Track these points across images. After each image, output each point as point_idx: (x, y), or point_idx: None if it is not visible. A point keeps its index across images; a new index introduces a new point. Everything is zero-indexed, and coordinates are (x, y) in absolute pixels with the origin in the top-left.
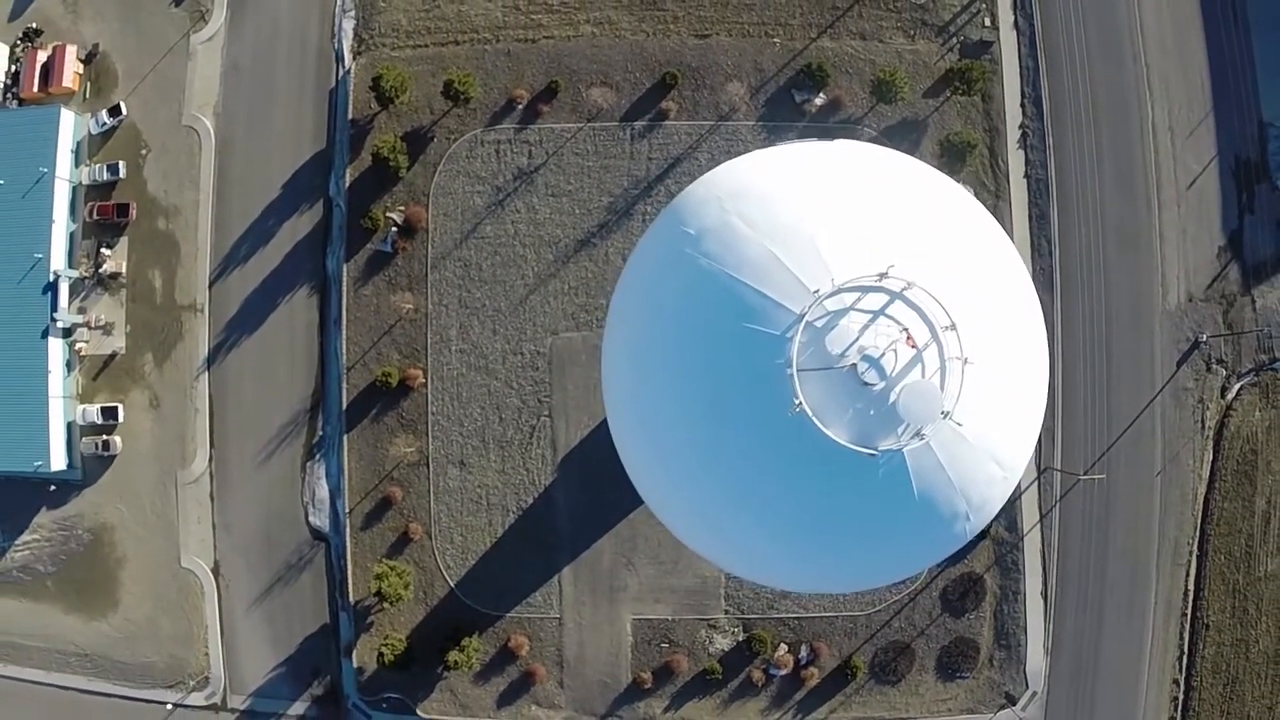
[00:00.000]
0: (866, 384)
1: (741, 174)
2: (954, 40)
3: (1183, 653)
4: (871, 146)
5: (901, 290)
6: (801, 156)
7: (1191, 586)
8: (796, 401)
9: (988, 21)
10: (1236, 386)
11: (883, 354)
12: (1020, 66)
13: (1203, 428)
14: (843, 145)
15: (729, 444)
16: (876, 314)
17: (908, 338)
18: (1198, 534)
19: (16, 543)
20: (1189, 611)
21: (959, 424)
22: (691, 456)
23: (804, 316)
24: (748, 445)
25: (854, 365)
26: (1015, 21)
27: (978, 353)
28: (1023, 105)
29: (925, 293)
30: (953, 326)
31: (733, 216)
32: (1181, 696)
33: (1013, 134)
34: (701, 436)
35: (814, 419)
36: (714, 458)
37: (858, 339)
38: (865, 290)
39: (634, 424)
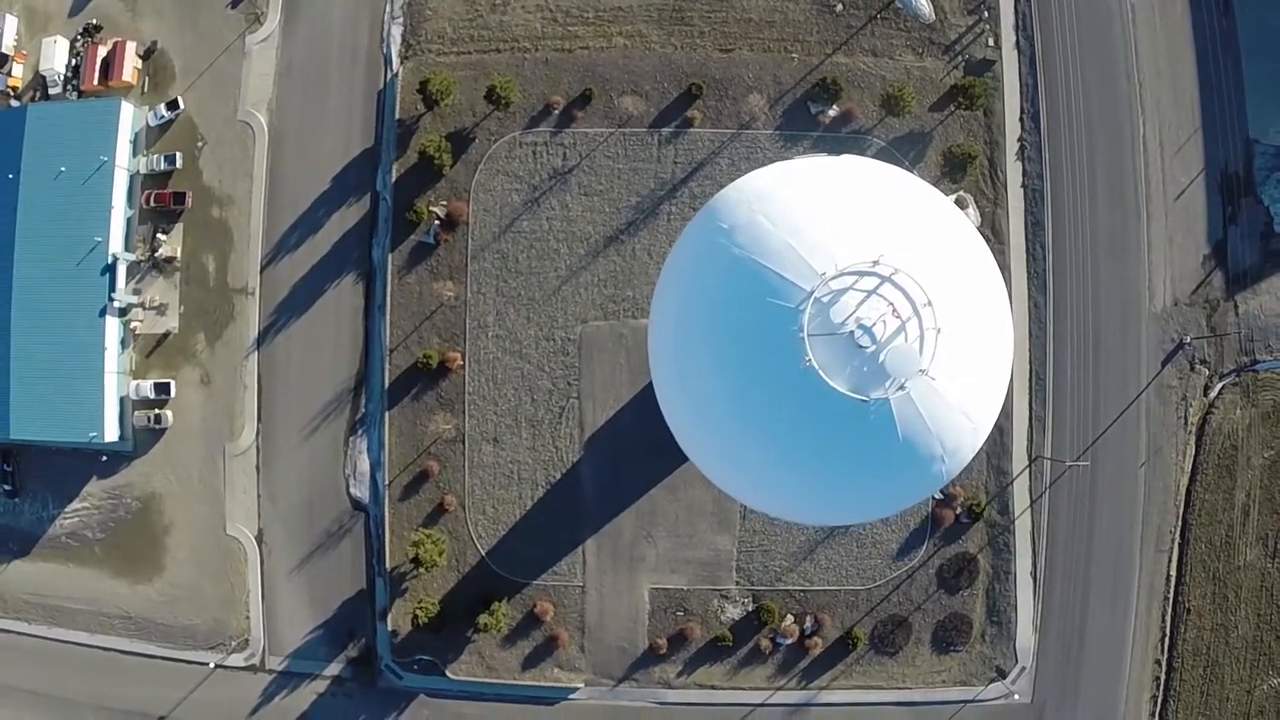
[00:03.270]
0: (861, 346)
1: (766, 181)
2: (959, 58)
3: (1164, 635)
4: (871, 161)
5: (890, 275)
6: (814, 168)
7: (1173, 572)
8: (807, 359)
9: (991, 42)
10: (1219, 386)
11: (874, 323)
12: (1020, 84)
13: (1185, 423)
14: (848, 160)
15: (753, 392)
16: (870, 293)
17: (894, 311)
18: (1179, 523)
19: (67, 510)
20: (1171, 596)
21: (933, 379)
22: (722, 403)
23: (813, 293)
24: (768, 393)
25: (852, 332)
26: (1017, 42)
27: (949, 325)
28: (1021, 120)
29: (908, 277)
30: (929, 304)
31: (759, 215)
32: (1163, 676)
33: (1011, 147)
34: (731, 386)
35: (820, 373)
36: (740, 403)
37: (855, 311)
38: (861, 274)
39: (676, 378)
